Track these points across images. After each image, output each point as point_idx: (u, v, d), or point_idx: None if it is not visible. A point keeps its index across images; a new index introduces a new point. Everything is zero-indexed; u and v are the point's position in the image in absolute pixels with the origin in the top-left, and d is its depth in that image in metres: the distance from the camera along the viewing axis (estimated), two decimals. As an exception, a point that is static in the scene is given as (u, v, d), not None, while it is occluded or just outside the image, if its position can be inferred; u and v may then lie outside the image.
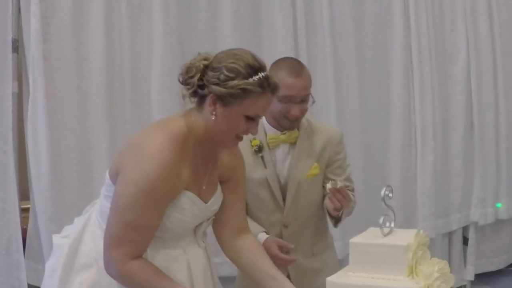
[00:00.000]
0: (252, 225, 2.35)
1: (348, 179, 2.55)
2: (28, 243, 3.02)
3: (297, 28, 3.55)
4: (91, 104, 3.07)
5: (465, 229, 4.18)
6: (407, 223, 3.87)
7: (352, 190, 2.52)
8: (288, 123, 2.40)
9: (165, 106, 3.19)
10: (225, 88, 1.78)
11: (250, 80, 1.78)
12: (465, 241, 4.18)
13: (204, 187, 1.93)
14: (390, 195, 1.99)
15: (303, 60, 3.52)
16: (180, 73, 1.89)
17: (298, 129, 2.47)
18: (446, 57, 4.02)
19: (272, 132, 2.45)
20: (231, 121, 1.82)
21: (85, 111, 3.07)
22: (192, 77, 1.83)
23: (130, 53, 3.17)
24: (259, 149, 2.42)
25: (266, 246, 2.32)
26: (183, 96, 1.87)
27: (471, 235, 4.15)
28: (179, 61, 3.20)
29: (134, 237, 1.77)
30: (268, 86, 1.81)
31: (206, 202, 1.94)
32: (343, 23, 3.68)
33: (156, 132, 1.83)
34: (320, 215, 2.53)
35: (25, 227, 3.04)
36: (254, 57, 1.86)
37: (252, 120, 1.84)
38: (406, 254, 1.86)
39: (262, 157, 2.42)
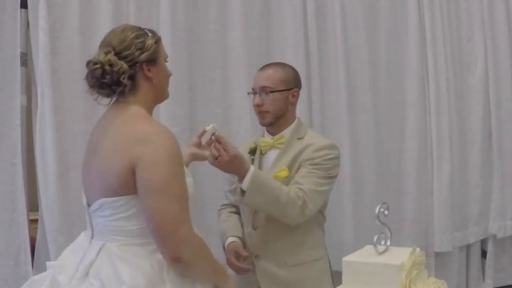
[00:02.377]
0: (230, 227, 2.58)
1: (308, 190, 2.41)
2: (37, 254, 3.04)
3: (308, 39, 3.51)
4: (99, 117, 3.06)
5: (483, 242, 4.06)
6: (423, 236, 3.81)
7: (301, 193, 2.41)
8: (259, 117, 2.58)
9: (174, 117, 3.20)
10: (148, 50, 1.99)
11: (150, 34, 2.04)
12: (484, 254, 4.06)
13: None
14: (386, 212, 1.95)
15: (315, 70, 3.53)
16: (100, 78, 1.94)
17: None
18: (463, 67, 3.94)
19: (267, 137, 2.60)
20: (163, 72, 2.07)
21: (93, 124, 2.99)
22: (120, 68, 1.93)
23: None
24: (252, 152, 2.58)
25: (226, 252, 2.53)
26: (120, 93, 1.97)
27: (489, 248, 4.03)
28: (188, 73, 3.26)
29: (187, 207, 1.87)
30: (155, 32, 2.09)
31: None
32: (356, 32, 3.64)
33: (139, 121, 1.94)
34: (300, 226, 2.47)
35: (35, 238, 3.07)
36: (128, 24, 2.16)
37: (166, 62, 2.12)
38: (399, 273, 1.82)
39: (252, 160, 2.55)
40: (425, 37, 3.79)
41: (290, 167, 2.49)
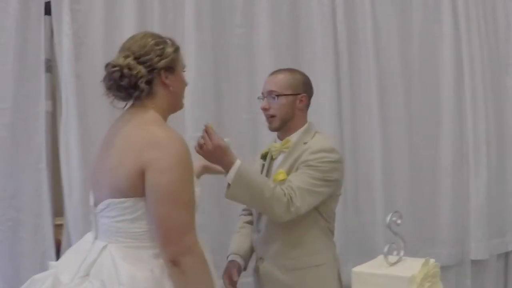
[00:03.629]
0: (235, 242, 2.63)
1: (297, 188, 2.35)
2: (62, 259, 3.06)
3: (338, 42, 3.44)
4: (124, 121, 3.08)
5: (522, 249, 3.91)
6: (459, 243, 3.69)
7: (288, 190, 2.35)
8: (267, 122, 2.58)
9: (199, 122, 3.11)
10: (167, 57, 2.02)
11: (169, 42, 2.07)
12: (523, 262, 3.91)
13: None
14: (398, 221, 1.87)
15: (345, 74, 3.45)
16: (118, 81, 1.97)
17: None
18: (500, 68, 3.79)
19: (278, 142, 2.60)
20: (180, 81, 2.10)
21: None
22: (138, 72, 1.96)
23: (162, 70, 3.16)
24: (263, 157, 2.59)
25: (224, 269, 2.58)
26: (137, 97, 2.00)
27: (528, 255, 3.88)
28: (214, 78, 3.23)
29: (193, 216, 1.88)
30: (175, 41, 2.11)
31: None
32: (387, 34, 3.55)
33: (152, 125, 1.95)
34: (296, 227, 2.43)
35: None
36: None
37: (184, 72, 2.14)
38: (409, 286, 1.75)
39: (263, 165, 2.61)
40: (460, 37, 3.66)
41: (289, 170, 2.46)
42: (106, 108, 2.98)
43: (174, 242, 1.83)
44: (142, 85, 1.96)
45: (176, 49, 2.08)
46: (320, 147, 2.46)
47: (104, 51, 3.05)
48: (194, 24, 3.17)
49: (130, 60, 1.97)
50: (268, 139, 3.25)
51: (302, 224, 2.43)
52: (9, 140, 2.91)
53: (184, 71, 2.14)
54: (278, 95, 2.54)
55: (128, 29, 3.06)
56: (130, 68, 1.96)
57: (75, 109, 2.97)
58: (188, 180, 1.88)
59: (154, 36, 2.05)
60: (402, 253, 1.92)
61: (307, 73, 3.35)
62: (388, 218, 1.85)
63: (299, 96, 2.57)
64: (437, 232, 3.65)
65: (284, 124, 2.55)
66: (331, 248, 2.56)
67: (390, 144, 3.54)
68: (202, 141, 2.24)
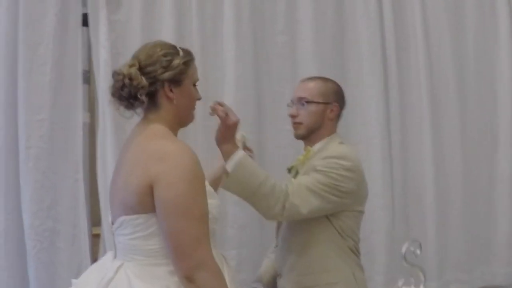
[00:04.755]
0: (263, 268, 2.57)
1: (298, 184, 2.24)
2: (99, 270, 3.07)
3: (385, 48, 3.28)
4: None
5: None
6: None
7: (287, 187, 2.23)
8: (293, 129, 2.48)
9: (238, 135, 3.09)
10: (173, 69, 1.94)
11: (181, 54, 1.98)
12: None
13: None
14: (418, 251, 1.71)
15: (393, 83, 3.28)
16: (119, 90, 1.93)
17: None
18: None
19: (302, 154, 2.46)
20: (188, 95, 1.99)
21: None
22: (139, 83, 1.90)
23: (201, 81, 3.08)
24: (289, 171, 2.47)
25: None
26: (145, 109, 1.96)
27: None
28: (254, 88, 3.14)
29: (206, 229, 1.82)
30: (190, 52, 2.04)
31: None
32: (439, 38, 3.38)
33: (158, 138, 1.90)
34: (309, 242, 2.33)
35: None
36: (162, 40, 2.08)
37: (195, 86, 2.04)
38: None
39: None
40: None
41: None
42: (142, 119, 3.03)
43: (187, 257, 1.78)
44: (142, 97, 1.90)
45: (187, 62, 1.99)
46: (331, 153, 2.34)
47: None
48: (234, 32, 3.09)
49: (133, 70, 1.91)
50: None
51: (315, 239, 2.32)
52: (47, 151, 2.92)
53: (195, 85, 2.04)
54: (308, 102, 2.43)
55: (166, 39, 3.00)
56: (131, 79, 1.90)
57: (111, 121, 2.94)
58: (197, 192, 1.82)
59: (165, 46, 1.99)
60: (422, 287, 1.77)
61: (353, 82, 3.28)
62: (404, 248, 1.70)
63: (330, 106, 2.45)
64: (493, 250, 3.43)
65: (310, 132, 2.44)
66: (351, 267, 2.38)
67: (442, 155, 3.35)
68: (223, 114, 2.13)
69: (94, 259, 3.04)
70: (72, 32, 2.97)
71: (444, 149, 3.34)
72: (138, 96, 1.90)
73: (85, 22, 2.98)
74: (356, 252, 2.40)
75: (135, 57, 1.97)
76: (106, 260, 2.04)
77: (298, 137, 2.48)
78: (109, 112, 2.94)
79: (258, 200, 2.19)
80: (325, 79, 2.54)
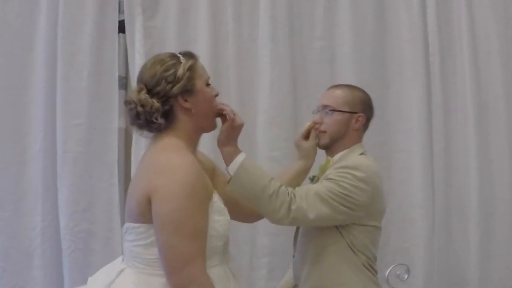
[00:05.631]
0: (284, 279, 2.53)
1: (307, 189, 2.17)
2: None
3: (429, 54, 3.15)
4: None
5: None
6: None
7: (294, 191, 2.16)
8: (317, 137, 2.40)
9: (273, 141, 3.06)
10: (180, 81, 1.91)
11: (183, 60, 1.94)
12: None
13: None
14: (405, 276, 1.64)
15: (437, 90, 3.16)
16: (136, 119, 1.93)
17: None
18: None
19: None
20: (203, 97, 1.96)
21: None
22: (152, 106, 1.89)
23: (236, 87, 3.09)
24: (311, 180, 2.41)
25: None
26: (157, 129, 1.93)
27: None
28: (290, 94, 3.10)
29: (201, 245, 1.80)
30: (192, 54, 1.99)
31: None
32: (487, 43, 3.20)
33: (165, 151, 1.89)
34: (322, 253, 2.25)
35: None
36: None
37: (209, 85, 2.00)
38: None
39: None
40: None
41: None
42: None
43: (177, 272, 1.77)
44: (158, 119, 1.89)
45: (191, 66, 1.94)
46: (346, 163, 2.25)
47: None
48: (269, 37, 3.06)
49: (142, 95, 1.90)
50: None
51: (327, 252, 2.25)
52: (83, 155, 3.01)
53: (208, 84, 2.00)
54: (333, 110, 2.35)
55: (201, 45, 3.06)
56: (143, 105, 1.89)
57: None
58: (193, 209, 1.78)
59: (163, 60, 1.94)
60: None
61: (396, 89, 3.17)
62: (387, 272, 1.61)
63: (356, 116, 2.36)
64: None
65: (333, 142, 2.36)
66: (364, 282, 2.27)
67: (488, 164, 3.18)
68: (233, 115, 2.07)
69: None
70: (109, 38, 3.05)
71: (490, 158, 3.17)
72: (154, 120, 1.89)
73: (121, 29, 3.05)
74: (370, 268, 2.30)
75: (140, 81, 1.96)
76: (116, 263, 2.08)
77: (321, 146, 2.41)
78: (143, 117, 3.00)
79: (262, 203, 2.12)
80: (352, 87, 2.45)
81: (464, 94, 3.17)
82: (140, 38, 2.99)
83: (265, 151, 3.05)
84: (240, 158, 2.09)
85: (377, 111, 3.13)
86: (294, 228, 2.46)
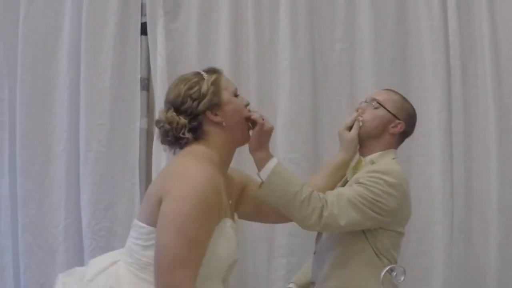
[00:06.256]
0: (302, 269, 2.55)
1: (338, 194, 2.18)
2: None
3: (450, 57, 3.13)
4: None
5: None
6: None
7: (326, 196, 2.17)
8: None
9: (294, 143, 3.07)
10: (205, 96, 1.95)
11: (206, 76, 1.99)
12: None
13: (231, 205, 2.03)
14: (401, 278, 1.63)
15: (457, 93, 3.14)
16: (165, 137, 2.00)
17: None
18: None
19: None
20: (234, 109, 1.99)
21: None
22: (178, 123, 1.95)
23: (256, 89, 3.11)
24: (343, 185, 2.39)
25: None
26: (184, 146, 1.98)
27: None
28: (310, 96, 3.12)
29: (196, 255, 1.78)
30: (215, 69, 2.05)
31: (233, 220, 2.03)
32: (509, 47, 3.14)
33: (185, 156, 1.94)
34: (342, 253, 2.27)
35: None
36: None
37: (237, 96, 2.04)
38: None
39: None
40: None
41: None
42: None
43: (166, 273, 1.76)
44: (185, 134, 1.95)
45: (215, 81, 1.99)
46: (377, 167, 2.26)
47: (199, 70, 3.09)
48: (290, 40, 3.07)
49: (170, 114, 1.96)
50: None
51: (350, 254, 2.27)
52: (105, 155, 3.08)
53: (237, 95, 2.03)
54: (379, 105, 2.38)
55: (222, 47, 3.10)
56: (170, 123, 1.95)
57: (167, 127, 3.04)
58: (200, 216, 1.78)
59: (187, 79, 2.00)
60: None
61: (416, 92, 3.16)
62: (382, 273, 1.61)
63: (397, 121, 2.38)
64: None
65: (367, 137, 2.38)
66: (385, 286, 2.20)
67: (509, 169, 3.13)
68: (261, 119, 2.09)
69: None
70: (131, 41, 3.11)
71: (511, 162, 3.14)
72: (181, 135, 1.94)
73: (144, 31, 3.10)
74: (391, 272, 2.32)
75: (166, 102, 2.02)
76: (117, 253, 2.12)
77: (361, 137, 2.41)
78: (164, 118, 3.05)
79: (293, 210, 2.13)
80: (405, 98, 2.48)
81: (485, 97, 3.14)
82: (162, 40, 3.04)
83: (284, 153, 3.06)
84: (272, 163, 2.10)
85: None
86: None
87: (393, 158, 2.38)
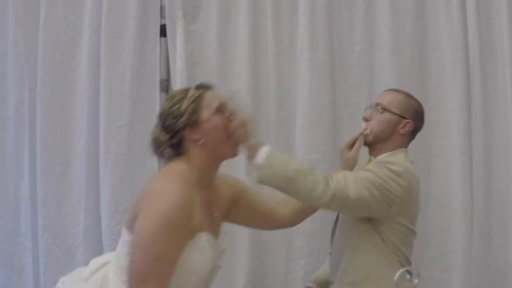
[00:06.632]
0: (322, 268, 2.55)
1: (342, 173, 2.20)
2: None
3: (469, 58, 3.11)
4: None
5: None
6: None
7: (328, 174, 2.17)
8: None
9: (313, 144, 3.07)
10: (184, 114, 1.96)
11: (190, 93, 2.00)
12: None
13: (214, 221, 2.04)
14: (415, 281, 1.62)
15: (477, 94, 3.11)
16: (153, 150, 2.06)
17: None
18: None
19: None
20: (212, 128, 1.97)
21: None
22: (158, 138, 2.01)
23: (275, 90, 3.12)
24: None
25: None
26: (167, 160, 2.03)
27: None
28: (329, 98, 3.11)
29: (161, 271, 1.83)
30: (203, 85, 2.04)
31: (217, 236, 2.05)
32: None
33: (162, 176, 2.00)
34: (357, 249, 2.27)
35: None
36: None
37: (222, 112, 2.00)
38: None
39: None
40: None
41: None
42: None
43: (131, 286, 1.82)
44: (166, 151, 2.00)
45: (197, 98, 1.99)
46: (383, 159, 2.30)
47: (217, 71, 3.12)
48: (308, 41, 3.07)
49: (155, 129, 2.03)
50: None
51: (363, 247, 2.27)
52: (125, 157, 3.10)
53: (222, 111, 1.99)
54: (384, 109, 2.39)
55: (241, 49, 3.11)
56: (153, 138, 2.03)
57: (187, 128, 3.05)
58: (162, 236, 1.81)
59: (172, 96, 2.04)
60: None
61: (433, 92, 3.15)
62: (396, 275, 1.59)
63: (405, 121, 2.39)
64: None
65: (377, 140, 2.39)
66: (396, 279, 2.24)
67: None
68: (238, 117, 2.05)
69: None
70: (150, 43, 3.13)
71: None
72: (161, 151, 2.01)
73: (163, 33, 3.12)
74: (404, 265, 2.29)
75: (157, 116, 2.07)
76: (113, 253, 2.16)
77: (366, 143, 2.43)
78: (183, 120, 3.06)
79: (299, 184, 2.09)
80: (409, 95, 2.48)
81: (505, 98, 3.11)
82: (181, 42, 3.06)
83: (304, 154, 3.07)
84: (266, 147, 2.07)
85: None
86: (331, 228, 2.49)
87: (405, 157, 2.39)
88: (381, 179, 2.18)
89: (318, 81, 3.09)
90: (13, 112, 3.26)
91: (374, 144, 2.41)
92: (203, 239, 1.94)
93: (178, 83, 3.06)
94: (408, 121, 2.39)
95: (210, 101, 2.00)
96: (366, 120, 2.44)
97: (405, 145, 2.43)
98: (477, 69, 3.11)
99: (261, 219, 2.33)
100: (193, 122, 1.97)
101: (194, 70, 3.10)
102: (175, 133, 1.98)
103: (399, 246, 2.28)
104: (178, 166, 1.97)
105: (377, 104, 2.42)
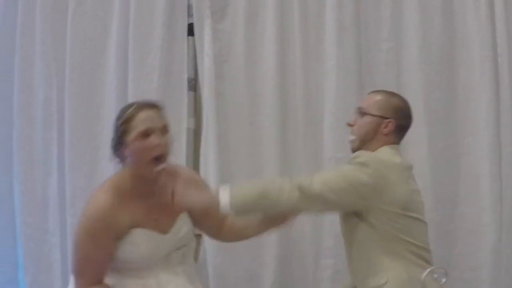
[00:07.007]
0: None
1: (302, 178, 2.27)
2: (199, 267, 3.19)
3: (497, 55, 3.09)
4: (263, 140, 3.12)
5: None
6: None
7: None
8: None
9: (338, 143, 3.05)
10: (115, 133, 2.13)
11: (128, 111, 2.11)
12: None
13: (157, 221, 2.19)
14: (443, 279, 1.62)
15: (505, 92, 3.09)
16: None
17: None
18: None
19: None
20: (135, 150, 2.09)
21: (257, 147, 3.12)
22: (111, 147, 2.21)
23: (302, 88, 3.12)
24: None
25: None
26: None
27: None
28: (357, 96, 3.10)
29: (88, 268, 2.13)
30: (142, 104, 2.13)
31: (166, 233, 2.20)
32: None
33: (101, 186, 2.20)
34: (362, 250, 2.30)
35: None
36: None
37: (148, 136, 2.09)
38: None
39: None
40: None
41: None
42: (246, 127, 3.11)
43: (74, 279, 2.17)
44: (116, 157, 2.19)
45: (126, 119, 2.10)
46: (351, 156, 2.35)
47: (245, 70, 3.12)
48: (336, 40, 3.07)
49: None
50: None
51: (363, 244, 2.31)
52: (153, 155, 3.09)
53: (149, 135, 2.08)
54: (364, 113, 2.43)
55: (268, 47, 3.11)
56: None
57: (215, 127, 3.07)
58: (85, 241, 2.10)
59: (121, 110, 2.16)
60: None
61: (461, 90, 3.13)
62: (423, 275, 1.60)
63: (386, 121, 2.40)
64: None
65: (362, 144, 2.42)
66: (405, 267, 2.25)
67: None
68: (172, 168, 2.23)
69: (195, 257, 3.17)
70: (178, 41, 3.13)
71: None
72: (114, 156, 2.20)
73: (191, 31, 3.13)
74: (416, 254, 2.28)
75: None
76: None
77: (352, 150, 2.45)
78: (212, 118, 3.07)
79: (274, 199, 2.20)
80: (390, 94, 2.50)
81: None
82: (208, 41, 3.06)
83: (331, 152, 3.06)
84: (223, 189, 2.19)
85: (444, 114, 3.11)
86: None
87: (389, 153, 2.38)
88: (346, 171, 2.27)
89: (345, 79, 3.08)
90: (41, 110, 3.27)
91: (361, 146, 2.42)
92: (137, 234, 2.14)
93: (206, 82, 3.07)
94: (390, 120, 2.41)
95: (137, 124, 2.10)
96: (350, 125, 2.47)
97: (393, 142, 2.43)
98: (506, 66, 3.09)
99: (226, 232, 2.41)
100: (121, 142, 2.12)
101: (222, 68, 3.10)
102: (115, 144, 2.15)
103: (397, 235, 2.27)
104: (116, 177, 2.19)
105: (359, 108, 2.46)
